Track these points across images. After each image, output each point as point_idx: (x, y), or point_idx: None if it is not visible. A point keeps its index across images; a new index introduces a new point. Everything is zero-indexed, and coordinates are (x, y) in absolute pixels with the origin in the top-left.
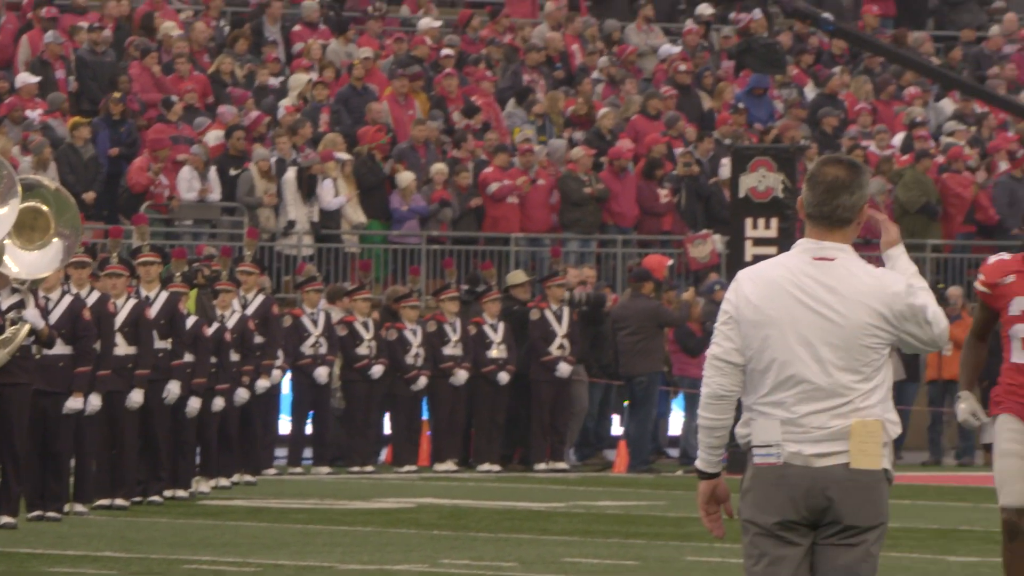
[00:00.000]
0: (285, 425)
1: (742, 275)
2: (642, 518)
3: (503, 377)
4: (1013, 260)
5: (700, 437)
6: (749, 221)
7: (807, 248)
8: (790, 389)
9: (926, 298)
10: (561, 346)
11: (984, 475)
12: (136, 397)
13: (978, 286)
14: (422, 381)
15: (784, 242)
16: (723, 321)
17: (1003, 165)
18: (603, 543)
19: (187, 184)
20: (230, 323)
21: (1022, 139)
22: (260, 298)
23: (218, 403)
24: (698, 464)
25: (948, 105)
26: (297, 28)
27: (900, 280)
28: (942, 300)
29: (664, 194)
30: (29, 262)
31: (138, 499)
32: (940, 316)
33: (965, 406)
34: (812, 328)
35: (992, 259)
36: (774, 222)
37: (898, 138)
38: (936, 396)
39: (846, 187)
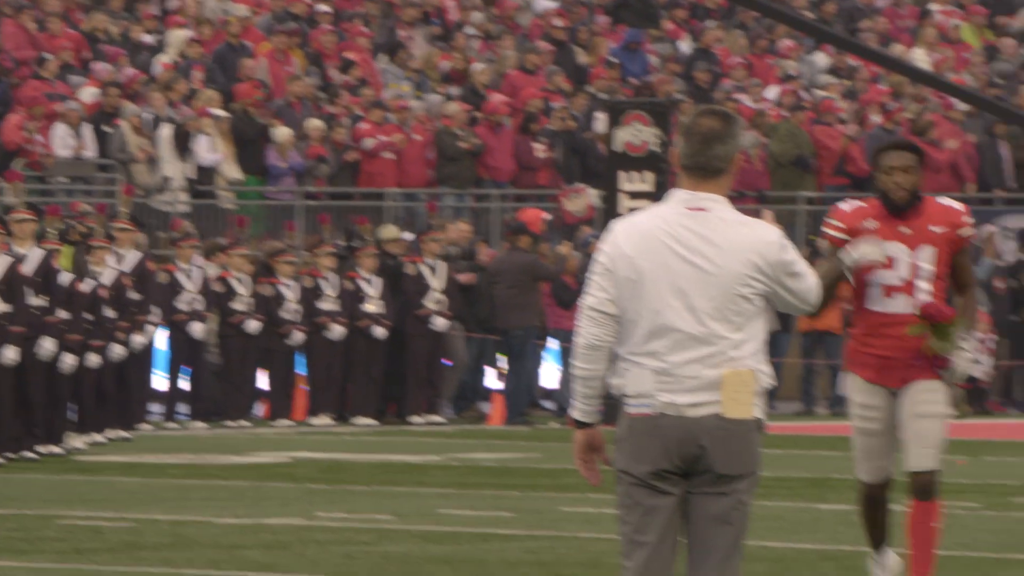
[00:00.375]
0: (161, 381)
1: (617, 226)
2: (517, 470)
3: (379, 331)
4: (870, 206)
5: (575, 387)
6: (624, 175)
7: (682, 199)
8: (663, 339)
9: (797, 256)
10: (437, 300)
11: None
12: (10, 354)
13: (832, 232)
14: (298, 336)
15: (659, 196)
16: (598, 272)
17: (876, 118)
18: (478, 495)
19: (61, 141)
20: (105, 279)
21: (894, 92)
22: (135, 255)
23: (93, 359)
24: (574, 414)
25: (821, 59)
26: None
27: (774, 231)
28: (815, 253)
29: (540, 148)
30: None
31: (12, 455)
32: (811, 273)
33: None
34: (686, 278)
35: (845, 205)
36: (649, 176)
37: (772, 91)
38: (809, 347)
39: (720, 137)
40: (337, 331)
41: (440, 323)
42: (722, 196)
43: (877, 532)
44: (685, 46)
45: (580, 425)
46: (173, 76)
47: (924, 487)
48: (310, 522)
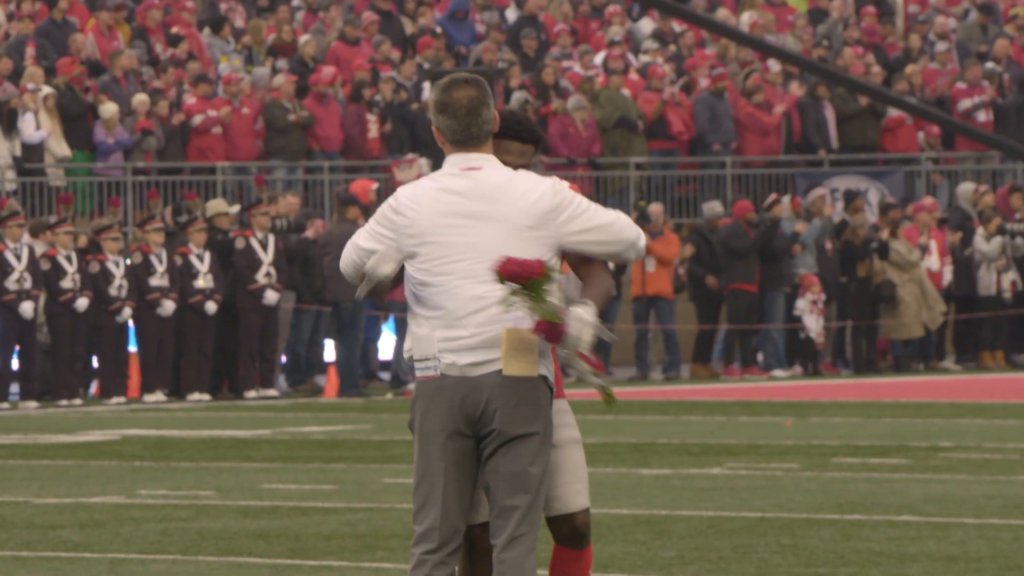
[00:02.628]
0: None
1: (401, 190)
2: (346, 442)
3: (210, 307)
4: None
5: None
6: None
7: (455, 162)
8: (445, 300)
9: (580, 198)
10: (267, 274)
11: (688, 388)
12: None
13: None
14: (126, 312)
15: None
16: (375, 233)
17: (703, 82)
18: (304, 468)
19: None
20: None
21: (720, 55)
22: None
23: None
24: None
25: (647, 24)
26: None
27: (546, 179)
28: (644, 217)
29: (371, 120)
30: None
31: None
32: (610, 211)
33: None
34: (466, 238)
35: None
36: None
37: (600, 57)
38: (641, 312)
39: (483, 103)
40: (168, 307)
41: (271, 296)
42: (492, 155)
43: None
44: (511, 14)
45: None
46: None
47: (575, 532)
48: (131, 500)
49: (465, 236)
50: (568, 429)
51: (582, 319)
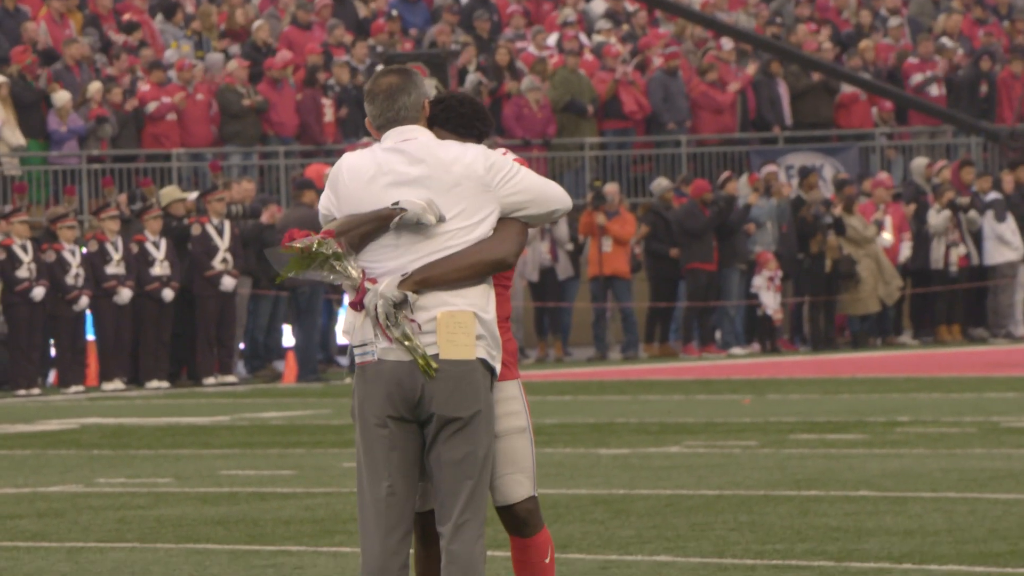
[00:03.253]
0: None
1: (344, 157)
2: (304, 427)
3: (167, 294)
4: None
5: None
6: None
7: (391, 136)
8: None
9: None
10: (224, 260)
11: (646, 367)
12: None
13: None
14: (83, 301)
15: None
16: (326, 187)
17: (657, 61)
18: (262, 454)
19: None
20: None
21: (674, 34)
22: None
23: None
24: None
25: (599, 5)
26: None
27: (477, 146)
28: (600, 197)
29: (326, 104)
30: None
31: None
32: (537, 176)
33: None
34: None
35: None
36: None
37: (553, 38)
38: (598, 292)
39: (403, 90)
40: (125, 295)
41: (228, 283)
42: (426, 128)
43: None
44: None
45: None
46: None
47: (519, 521)
48: (89, 488)
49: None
50: (513, 418)
51: (375, 291)
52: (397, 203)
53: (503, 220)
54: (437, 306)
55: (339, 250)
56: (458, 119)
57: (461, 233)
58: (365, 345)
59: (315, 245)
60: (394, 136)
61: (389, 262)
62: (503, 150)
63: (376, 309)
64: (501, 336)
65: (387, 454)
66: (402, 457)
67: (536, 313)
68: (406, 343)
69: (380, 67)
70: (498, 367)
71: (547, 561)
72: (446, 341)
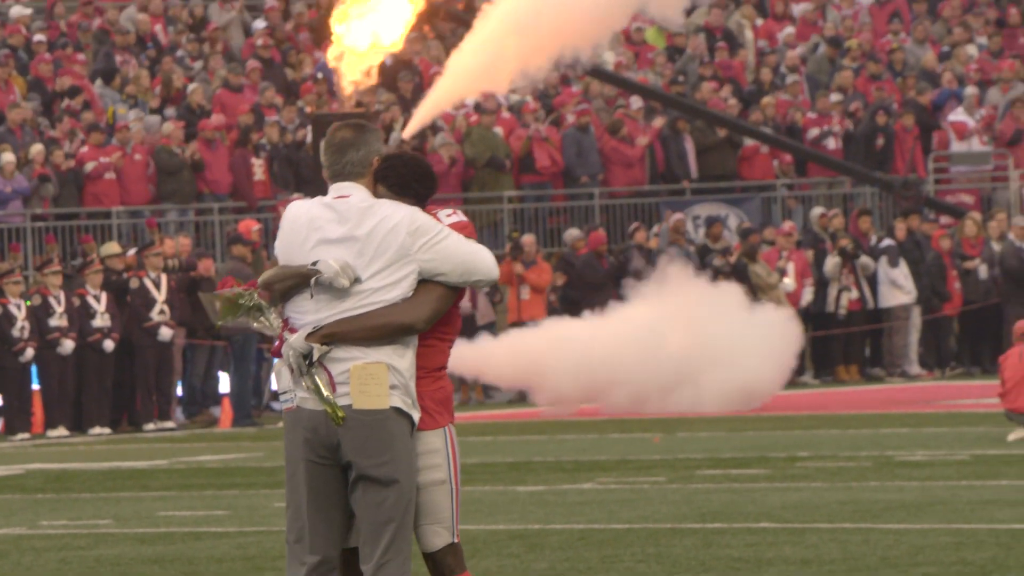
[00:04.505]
0: None
1: (290, 206)
2: (238, 470)
3: (108, 344)
4: None
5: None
6: None
7: (331, 192)
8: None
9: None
10: (162, 311)
11: None
12: None
13: None
14: (29, 352)
15: None
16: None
17: (570, 118)
18: (199, 496)
19: None
20: None
21: (584, 93)
22: None
23: None
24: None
25: None
26: None
27: (408, 208)
28: (517, 248)
29: (258, 163)
30: None
31: None
32: (466, 241)
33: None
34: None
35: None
36: None
37: (470, 98)
38: None
39: (352, 145)
40: (68, 346)
41: (166, 333)
42: (365, 188)
43: None
44: (388, 58)
45: None
46: None
47: (440, 566)
48: (33, 531)
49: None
50: (433, 471)
51: (288, 342)
52: (315, 263)
53: (425, 283)
54: (351, 359)
55: (261, 301)
56: (396, 179)
57: (377, 293)
58: (286, 392)
59: (239, 297)
60: (333, 191)
61: (309, 316)
62: (450, 210)
63: (289, 359)
64: (433, 384)
65: (312, 495)
66: (322, 497)
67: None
68: (314, 393)
69: (311, 126)
70: (416, 415)
71: None
72: (359, 392)
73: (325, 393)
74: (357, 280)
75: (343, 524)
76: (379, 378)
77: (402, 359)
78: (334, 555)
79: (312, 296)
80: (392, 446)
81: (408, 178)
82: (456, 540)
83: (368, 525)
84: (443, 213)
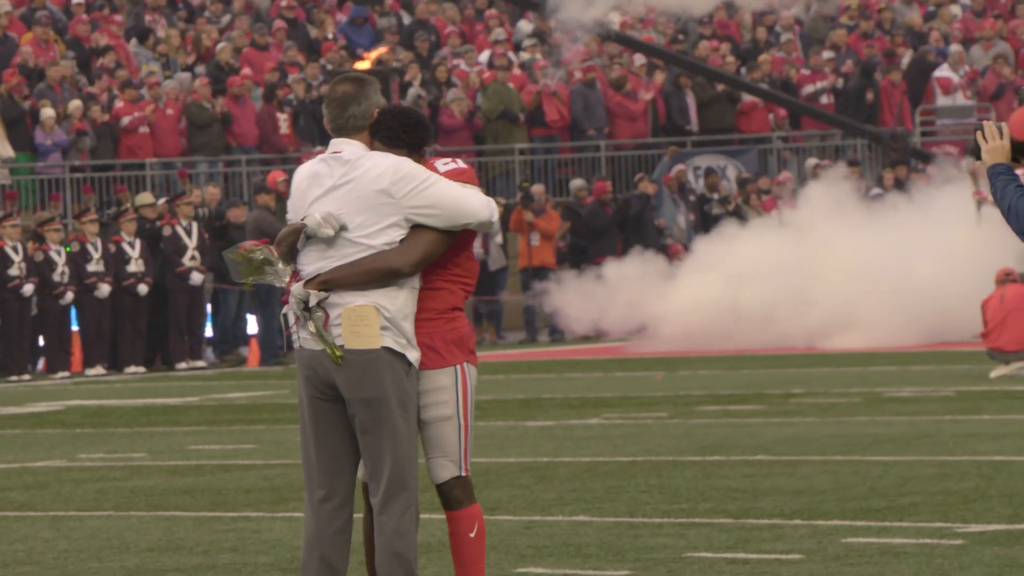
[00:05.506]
0: None
1: (296, 171)
2: (265, 406)
3: (142, 288)
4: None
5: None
6: None
7: (331, 146)
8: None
9: (425, 173)
10: (193, 257)
11: (571, 348)
12: None
13: None
14: (68, 296)
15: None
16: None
17: (577, 75)
18: (227, 431)
19: None
20: None
21: (589, 53)
22: None
23: None
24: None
25: (526, 25)
26: None
27: (394, 158)
28: (528, 197)
29: (283, 117)
30: None
31: None
32: (457, 186)
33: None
34: (312, 212)
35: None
36: None
37: (484, 55)
38: (527, 282)
39: (354, 99)
40: (104, 290)
41: (197, 278)
42: (363, 144)
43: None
44: (406, 18)
45: None
46: None
47: (447, 497)
48: (72, 463)
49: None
50: (440, 407)
51: (291, 291)
52: (304, 218)
53: (417, 229)
54: (344, 303)
55: (270, 256)
56: (385, 131)
57: (363, 239)
58: (293, 333)
59: (251, 252)
60: (332, 146)
61: (310, 266)
62: (447, 160)
63: (292, 306)
64: (445, 325)
65: (315, 429)
66: (330, 432)
67: (472, 302)
68: (315, 335)
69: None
70: (411, 354)
71: (472, 535)
72: (350, 333)
73: (324, 335)
74: (344, 228)
75: (349, 459)
76: (369, 320)
77: (393, 301)
78: (341, 489)
79: (300, 248)
80: (382, 383)
81: (396, 129)
82: (464, 473)
83: (370, 461)
84: (440, 162)
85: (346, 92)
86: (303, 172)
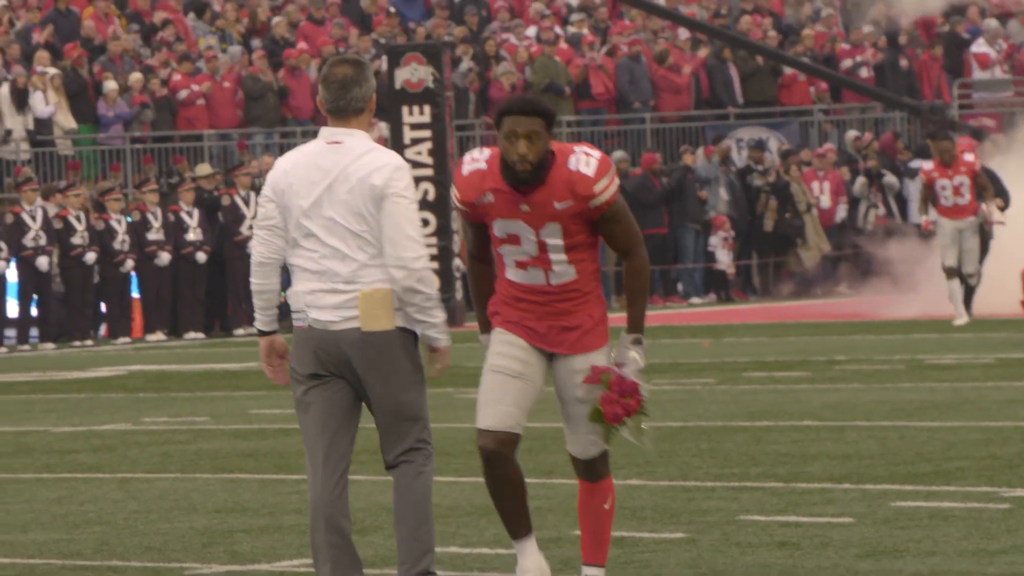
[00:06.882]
0: (13, 309)
1: (280, 159)
2: None
3: (201, 256)
4: (491, 167)
5: (254, 300)
6: (405, 109)
7: (324, 135)
8: (308, 257)
9: (407, 186)
10: (250, 226)
11: (617, 316)
12: None
13: (457, 205)
14: (129, 263)
15: (436, 126)
16: (263, 196)
17: (623, 49)
18: (286, 395)
19: None
20: None
21: (636, 27)
22: None
23: None
24: (256, 324)
25: None
26: None
27: (394, 156)
28: None
29: None
30: None
31: None
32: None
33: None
34: (320, 200)
35: (465, 166)
36: (427, 109)
37: (532, 30)
38: None
39: (355, 82)
40: (164, 258)
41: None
42: (360, 130)
43: (510, 511)
44: None
45: (262, 333)
46: (7, 40)
47: (589, 469)
48: (136, 427)
49: (318, 205)
50: (493, 356)
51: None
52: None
53: (617, 214)
54: (353, 273)
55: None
56: (520, 103)
57: (367, 233)
58: (298, 312)
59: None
60: (327, 135)
61: (311, 283)
62: (588, 148)
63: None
64: (597, 303)
65: (314, 402)
66: (331, 405)
67: None
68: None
69: (385, 56)
70: (416, 328)
71: (606, 507)
72: (366, 316)
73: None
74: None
75: (348, 430)
76: (385, 303)
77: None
78: (344, 456)
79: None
80: (400, 359)
81: (534, 104)
82: (607, 448)
83: (385, 426)
84: (580, 151)
85: (347, 74)
86: (299, 156)
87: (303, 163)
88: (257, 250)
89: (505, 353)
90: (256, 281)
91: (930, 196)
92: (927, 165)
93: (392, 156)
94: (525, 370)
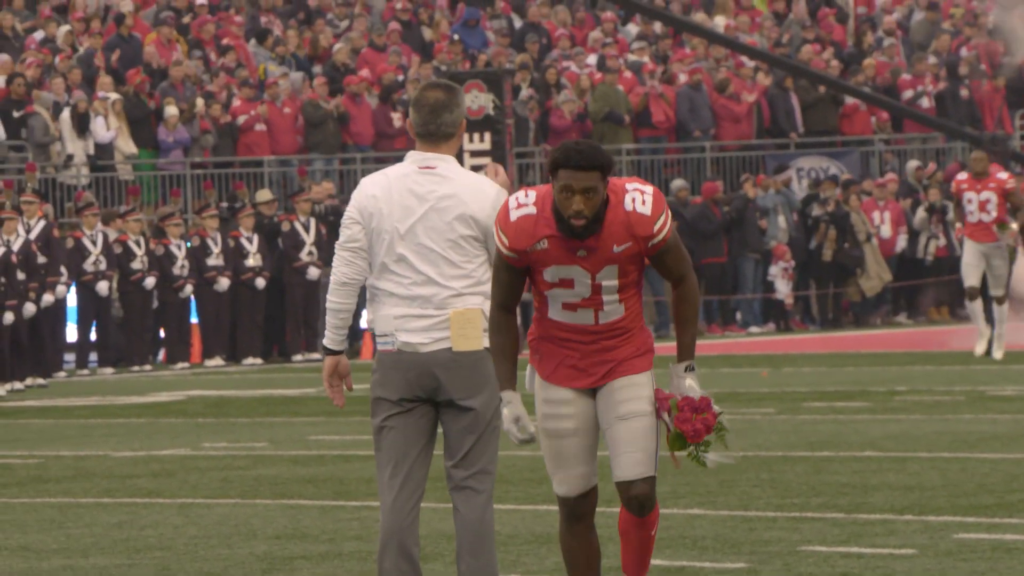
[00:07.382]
0: (73, 333)
1: (365, 180)
2: None
3: (260, 282)
4: (542, 211)
5: (328, 318)
6: (466, 136)
7: (415, 159)
8: (398, 282)
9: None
10: (310, 252)
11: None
12: None
13: (504, 251)
14: (188, 288)
15: (496, 153)
16: (349, 217)
17: (683, 77)
18: (345, 422)
19: None
20: (15, 247)
21: (696, 56)
22: (42, 223)
23: (8, 317)
24: (324, 342)
25: (633, 28)
26: None
27: (493, 187)
28: None
29: (397, 117)
30: None
31: None
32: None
33: (508, 412)
34: (415, 227)
35: (513, 212)
36: (487, 136)
37: (593, 58)
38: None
39: (446, 107)
40: (223, 283)
41: (314, 272)
42: (450, 156)
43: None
44: (517, 21)
45: (328, 352)
46: (71, 65)
47: (640, 506)
48: (196, 452)
49: (412, 227)
50: (638, 403)
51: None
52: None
53: (670, 245)
54: (446, 296)
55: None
56: (577, 157)
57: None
58: (386, 336)
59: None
60: (417, 159)
61: (396, 313)
62: (639, 184)
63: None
64: (644, 334)
65: (402, 426)
66: (414, 429)
67: None
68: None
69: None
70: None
71: (652, 533)
72: (458, 336)
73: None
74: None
75: (425, 454)
76: (476, 322)
77: (486, 305)
78: (420, 480)
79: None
80: (484, 382)
81: (592, 157)
82: (654, 474)
83: (462, 447)
84: (632, 186)
85: (439, 99)
86: (389, 179)
87: (395, 188)
88: (340, 270)
89: (553, 414)
90: (335, 300)
91: (958, 207)
92: (961, 175)
93: (492, 186)
94: (579, 424)
